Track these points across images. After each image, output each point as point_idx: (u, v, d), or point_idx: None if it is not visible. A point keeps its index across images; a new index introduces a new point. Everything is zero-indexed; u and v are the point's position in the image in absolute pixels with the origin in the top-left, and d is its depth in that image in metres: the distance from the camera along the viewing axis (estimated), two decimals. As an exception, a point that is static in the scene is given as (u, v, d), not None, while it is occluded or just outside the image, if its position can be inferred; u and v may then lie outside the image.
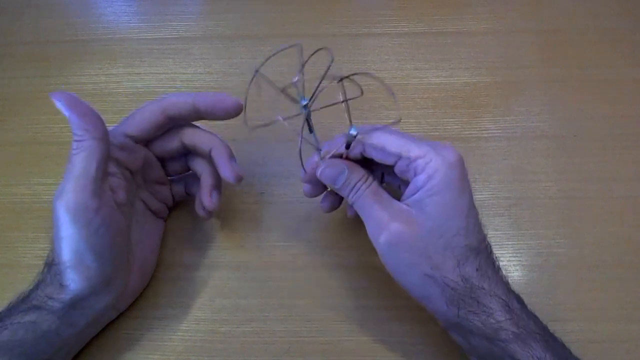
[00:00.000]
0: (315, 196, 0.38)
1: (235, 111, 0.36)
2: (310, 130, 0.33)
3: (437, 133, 0.46)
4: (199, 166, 0.38)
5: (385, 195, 0.33)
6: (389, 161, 0.33)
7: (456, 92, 0.48)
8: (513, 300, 0.32)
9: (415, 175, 0.32)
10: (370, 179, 0.34)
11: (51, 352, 0.33)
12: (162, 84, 0.49)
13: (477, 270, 0.31)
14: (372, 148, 0.33)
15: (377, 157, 0.33)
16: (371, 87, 0.48)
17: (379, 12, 0.52)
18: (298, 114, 0.32)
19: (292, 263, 0.41)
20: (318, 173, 0.34)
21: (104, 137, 0.32)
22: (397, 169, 0.33)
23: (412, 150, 0.32)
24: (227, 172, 0.36)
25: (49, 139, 0.46)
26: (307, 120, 0.32)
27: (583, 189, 0.43)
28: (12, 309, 0.33)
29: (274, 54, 0.31)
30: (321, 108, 0.32)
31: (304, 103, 0.31)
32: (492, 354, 0.31)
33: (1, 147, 0.46)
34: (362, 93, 0.32)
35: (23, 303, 0.33)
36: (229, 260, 0.41)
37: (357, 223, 0.42)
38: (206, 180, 0.38)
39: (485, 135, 0.46)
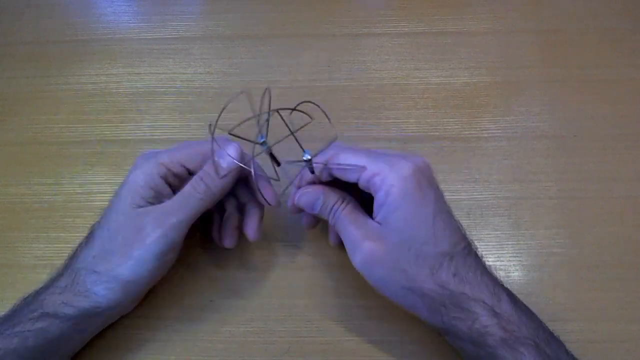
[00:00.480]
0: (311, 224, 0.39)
1: (271, 206, 0.37)
2: (278, 163, 0.34)
3: (437, 133, 0.46)
4: (229, 205, 0.39)
5: (361, 215, 0.34)
6: (352, 179, 0.33)
7: (456, 92, 0.48)
8: (503, 301, 0.31)
9: (375, 192, 0.32)
10: (347, 200, 0.34)
11: (57, 356, 0.34)
12: (162, 84, 0.49)
13: (454, 275, 0.31)
14: (335, 169, 0.34)
15: (342, 176, 0.34)
16: (371, 88, 0.48)
17: (379, 12, 0.52)
18: (261, 152, 0.33)
19: (292, 263, 0.41)
20: (296, 200, 0.36)
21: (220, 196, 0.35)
22: (360, 186, 0.34)
23: (370, 167, 0.32)
24: (249, 233, 0.37)
25: (49, 139, 0.46)
26: (271, 155, 0.34)
27: (583, 189, 0.43)
28: (20, 313, 0.33)
29: (224, 107, 0.33)
30: (275, 143, 0.33)
31: (262, 140, 0.32)
32: (480, 357, 0.31)
33: (1, 147, 0.46)
34: (312, 119, 0.34)
35: (33, 309, 0.33)
36: (229, 260, 0.41)
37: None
38: (232, 221, 0.38)
39: (485, 135, 0.46)
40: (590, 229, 0.42)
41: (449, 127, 0.46)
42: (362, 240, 0.32)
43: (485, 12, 0.52)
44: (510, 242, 0.41)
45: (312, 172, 0.35)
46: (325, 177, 0.35)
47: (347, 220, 0.33)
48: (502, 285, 0.33)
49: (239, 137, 0.32)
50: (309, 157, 0.33)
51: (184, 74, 0.49)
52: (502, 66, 0.49)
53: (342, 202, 0.34)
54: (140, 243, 0.33)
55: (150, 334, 0.38)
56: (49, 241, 0.42)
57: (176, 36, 0.51)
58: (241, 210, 0.39)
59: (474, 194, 0.43)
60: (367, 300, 0.39)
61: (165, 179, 0.35)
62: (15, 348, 0.31)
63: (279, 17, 0.52)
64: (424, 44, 0.50)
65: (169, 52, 0.50)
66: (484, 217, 0.42)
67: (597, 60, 0.49)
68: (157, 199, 0.34)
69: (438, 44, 0.50)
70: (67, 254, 0.36)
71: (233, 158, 0.34)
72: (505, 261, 0.41)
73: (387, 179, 0.31)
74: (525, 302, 0.33)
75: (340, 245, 0.37)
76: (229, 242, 0.38)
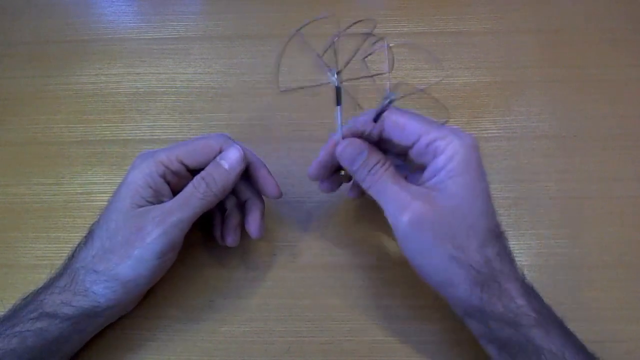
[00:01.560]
0: (317, 179, 0.37)
1: (274, 197, 0.37)
2: (338, 102, 0.32)
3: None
4: (229, 203, 0.39)
5: (403, 179, 0.33)
6: (408, 141, 0.33)
7: (456, 92, 0.48)
8: (529, 287, 0.32)
9: (435, 157, 0.32)
10: (389, 162, 0.33)
11: (57, 356, 0.34)
12: (162, 84, 0.49)
13: (497, 254, 0.31)
14: (392, 127, 0.33)
15: (397, 137, 0.33)
16: (371, 88, 0.48)
17: (379, 12, 0.52)
18: (327, 83, 0.32)
19: (292, 263, 0.41)
20: (338, 151, 0.34)
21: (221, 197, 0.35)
22: (414, 151, 0.33)
23: (432, 131, 0.32)
24: (270, 187, 0.37)
25: (49, 139, 0.46)
26: (338, 90, 0.32)
27: (583, 189, 0.43)
28: (19, 313, 0.33)
29: (312, 20, 0.32)
30: (350, 80, 0.32)
31: (336, 72, 0.31)
32: (511, 340, 0.31)
33: (1, 147, 0.46)
34: (391, 68, 0.33)
35: (32, 309, 0.33)
36: (228, 260, 0.41)
37: (357, 223, 0.42)
38: (233, 219, 0.38)
39: (485, 135, 0.46)
40: (590, 229, 0.42)
41: (449, 127, 0.46)
42: (412, 200, 0.31)
43: (485, 12, 0.52)
44: (510, 242, 0.41)
45: (377, 118, 0.32)
46: (373, 134, 0.34)
47: (391, 181, 0.32)
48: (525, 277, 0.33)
49: (321, 61, 0.31)
50: (394, 97, 0.31)
51: (184, 74, 0.49)
52: (502, 66, 0.49)
53: (385, 162, 0.33)
54: (141, 242, 0.33)
55: (150, 334, 0.38)
56: (49, 241, 0.42)
57: (176, 36, 0.51)
58: (242, 208, 0.39)
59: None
60: (367, 300, 0.39)
61: (164, 177, 0.35)
62: (14, 348, 0.31)
63: (279, 17, 0.52)
64: (424, 44, 0.50)
65: (169, 52, 0.50)
66: (484, 217, 0.42)
67: (597, 60, 0.49)
68: (157, 198, 0.34)
69: (438, 44, 0.50)
70: (67, 254, 0.36)
71: (237, 160, 0.35)
72: (505, 261, 0.41)
73: (452, 144, 0.31)
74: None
75: (359, 212, 0.37)
76: (231, 240, 0.38)
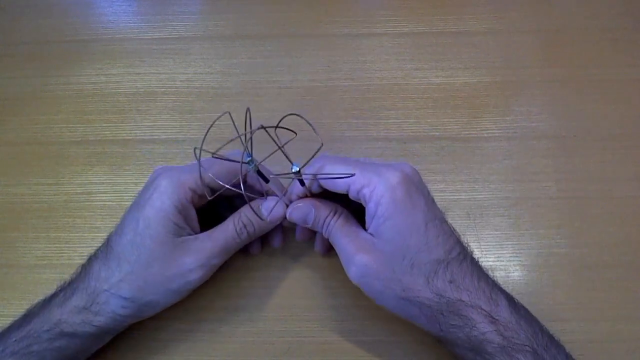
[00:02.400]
0: (305, 237, 0.39)
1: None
2: (266, 180, 0.34)
3: (437, 133, 0.46)
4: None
5: (353, 227, 0.34)
6: (341, 190, 0.33)
7: (456, 92, 0.48)
8: (501, 306, 0.31)
9: (366, 203, 0.32)
10: (339, 212, 0.35)
11: None
12: (162, 84, 0.49)
13: (450, 282, 0.31)
14: (324, 180, 0.34)
15: (332, 188, 0.34)
16: (371, 88, 0.48)
17: (379, 12, 0.52)
18: (247, 171, 0.33)
19: (292, 263, 0.41)
20: (287, 216, 0.36)
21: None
22: (351, 197, 0.33)
23: (357, 180, 0.32)
24: (274, 242, 0.39)
25: (49, 139, 0.46)
26: (259, 172, 0.33)
27: (583, 189, 0.43)
28: (34, 331, 0.32)
29: (209, 128, 0.32)
30: (262, 161, 0.33)
31: (248, 159, 0.32)
32: None
33: (1, 147, 0.46)
34: (295, 134, 0.34)
35: (49, 328, 0.32)
36: (228, 260, 0.41)
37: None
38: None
39: (485, 135, 0.46)
40: (590, 229, 0.42)
41: (449, 127, 0.46)
42: (355, 252, 0.32)
43: (485, 12, 0.52)
44: (510, 242, 0.41)
45: (302, 184, 0.35)
46: (315, 188, 0.35)
47: (339, 233, 0.34)
48: (501, 289, 0.33)
49: (224, 158, 0.32)
50: (297, 169, 0.32)
51: (184, 74, 0.49)
52: (502, 66, 0.49)
53: (334, 214, 0.34)
54: (181, 278, 0.33)
55: (151, 333, 0.38)
56: (49, 241, 0.42)
57: (176, 36, 0.51)
58: None
59: (474, 194, 0.43)
60: (367, 300, 0.39)
61: (192, 202, 0.34)
62: None
63: (279, 17, 0.52)
64: (424, 44, 0.50)
65: (169, 52, 0.50)
66: (484, 217, 0.42)
67: (597, 60, 0.49)
68: (186, 221, 0.34)
69: (438, 44, 0.50)
70: (67, 254, 0.36)
71: (275, 212, 0.35)
72: (505, 261, 0.41)
73: (376, 189, 0.31)
74: (525, 303, 0.33)
75: (328, 253, 0.39)
76: (256, 250, 0.40)
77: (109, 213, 0.43)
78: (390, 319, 0.38)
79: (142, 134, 0.47)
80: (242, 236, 0.35)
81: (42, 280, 0.41)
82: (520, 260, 0.41)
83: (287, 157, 0.33)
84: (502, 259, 0.41)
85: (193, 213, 0.35)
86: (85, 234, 0.42)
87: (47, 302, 0.34)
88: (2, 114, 0.48)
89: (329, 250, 0.39)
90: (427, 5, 0.52)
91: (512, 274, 0.40)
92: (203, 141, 0.31)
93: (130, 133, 0.47)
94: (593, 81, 0.48)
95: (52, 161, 0.45)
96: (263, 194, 0.36)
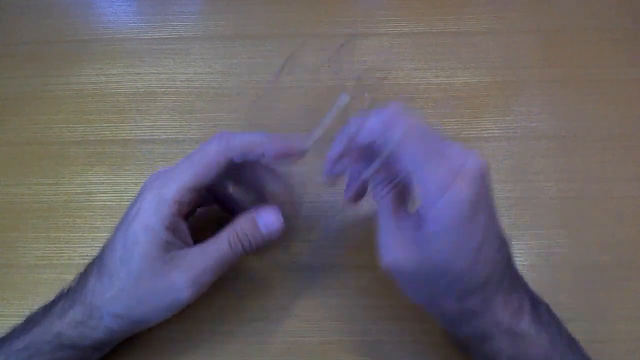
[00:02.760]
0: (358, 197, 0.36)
1: (299, 158, 0.34)
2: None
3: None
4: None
5: (402, 212, 0.31)
6: (399, 172, 0.30)
7: (456, 92, 0.48)
8: (524, 321, 0.29)
9: (421, 199, 0.29)
10: (397, 182, 0.31)
11: None
12: (162, 84, 0.49)
13: (482, 301, 0.29)
14: (393, 156, 0.30)
15: (394, 166, 0.31)
16: (371, 88, 0.48)
17: (379, 12, 0.52)
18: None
19: (292, 263, 0.41)
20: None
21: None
22: (409, 183, 0.32)
23: (423, 177, 0.28)
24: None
25: (49, 139, 0.46)
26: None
27: (583, 189, 0.43)
28: (35, 342, 0.32)
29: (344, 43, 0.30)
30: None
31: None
32: None
33: (1, 147, 0.46)
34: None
35: (49, 340, 0.32)
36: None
37: (357, 223, 0.42)
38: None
39: (485, 135, 0.46)
40: (590, 229, 0.42)
41: (449, 127, 0.46)
42: (396, 246, 0.30)
43: (485, 12, 0.52)
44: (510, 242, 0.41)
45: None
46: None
47: (389, 210, 0.31)
48: (527, 290, 0.31)
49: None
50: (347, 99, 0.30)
51: (184, 74, 0.49)
52: (502, 66, 0.49)
53: (394, 180, 0.31)
54: (171, 295, 0.32)
55: (150, 334, 0.38)
56: (49, 241, 0.42)
57: (176, 36, 0.51)
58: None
59: (474, 194, 0.43)
60: (367, 300, 0.39)
61: (179, 213, 0.33)
62: None
63: (279, 17, 0.52)
64: (424, 44, 0.50)
65: (169, 52, 0.50)
66: (484, 217, 0.42)
67: (597, 60, 0.49)
68: (175, 235, 0.33)
69: (438, 44, 0.50)
70: (67, 254, 0.36)
71: (275, 226, 0.34)
72: (505, 261, 0.41)
73: (440, 201, 0.27)
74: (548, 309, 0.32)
75: (354, 203, 0.36)
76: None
77: (109, 213, 0.43)
78: (391, 319, 0.38)
79: (142, 134, 0.46)
80: (237, 251, 0.33)
81: (42, 280, 0.40)
82: (520, 260, 0.41)
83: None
84: (502, 259, 0.41)
85: (183, 226, 0.33)
86: (85, 234, 0.42)
87: (47, 310, 0.33)
88: (2, 114, 0.48)
89: (359, 199, 0.36)
90: (427, 5, 0.52)
91: (512, 274, 0.40)
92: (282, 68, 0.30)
93: (130, 133, 0.47)
94: (593, 81, 0.48)
95: (52, 161, 0.45)
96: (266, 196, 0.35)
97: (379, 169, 0.31)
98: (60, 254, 0.39)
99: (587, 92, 0.47)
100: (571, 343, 0.31)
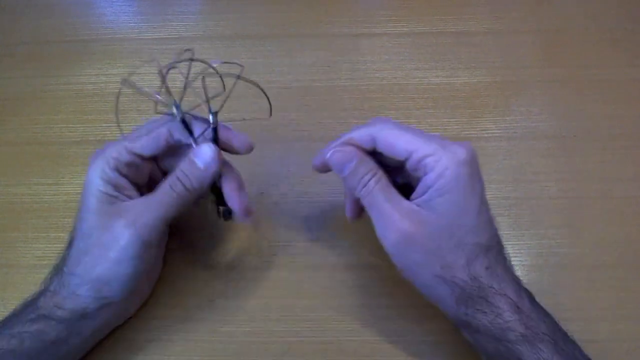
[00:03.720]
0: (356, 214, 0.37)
1: (247, 151, 0.36)
2: (190, 132, 0.34)
3: (437, 133, 0.46)
4: None
5: (394, 194, 0.32)
6: (400, 158, 0.32)
7: (456, 92, 0.48)
8: (524, 299, 0.31)
9: (425, 173, 0.31)
10: (380, 173, 0.33)
11: (55, 358, 0.34)
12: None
13: (486, 268, 0.31)
14: (383, 144, 0.32)
15: (388, 153, 0.33)
16: (371, 88, 0.48)
17: (379, 12, 0.52)
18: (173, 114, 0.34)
19: (292, 263, 0.41)
20: (327, 156, 0.33)
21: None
22: (408, 167, 0.32)
23: (422, 148, 0.31)
24: (236, 205, 0.35)
25: (49, 139, 0.46)
26: (183, 121, 0.33)
27: (583, 189, 0.43)
28: (19, 315, 0.33)
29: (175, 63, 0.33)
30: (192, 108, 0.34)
31: (176, 104, 0.33)
32: (499, 353, 0.31)
33: (1, 147, 0.46)
34: (224, 88, 0.34)
35: (30, 311, 0.33)
36: (229, 260, 0.41)
37: (356, 223, 0.42)
38: (229, 188, 0.35)
39: (485, 135, 0.46)
40: (590, 229, 0.42)
41: (449, 127, 0.46)
42: (400, 220, 0.31)
43: (485, 12, 0.52)
44: (510, 242, 0.41)
45: (216, 138, 0.34)
46: (368, 145, 0.33)
47: (381, 196, 0.32)
48: (522, 282, 0.33)
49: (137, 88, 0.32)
50: (215, 111, 0.32)
51: (184, 73, 0.49)
52: (502, 66, 0.49)
53: (376, 174, 0.32)
54: (114, 244, 0.32)
55: (150, 334, 0.38)
56: (49, 241, 0.42)
57: (176, 36, 0.51)
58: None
59: (474, 194, 0.43)
60: (367, 300, 0.39)
61: (117, 171, 0.34)
62: (13, 349, 0.31)
63: (279, 17, 0.52)
64: (424, 44, 0.50)
65: (169, 52, 0.50)
66: (484, 217, 0.42)
67: (597, 60, 0.49)
68: (119, 191, 0.34)
69: (438, 44, 0.50)
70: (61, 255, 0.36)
71: (212, 158, 0.33)
72: (505, 261, 0.41)
73: (441, 160, 0.30)
74: (536, 300, 0.33)
75: (359, 219, 0.37)
76: (241, 207, 0.36)
77: (109, 213, 0.43)
78: (391, 319, 0.38)
79: (142, 134, 0.46)
80: (179, 191, 0.33)
81: (42, 280, 0.40)
82: (520, 260, 0.41)
83: (207, 99, 0.32)
84: (502, 259, 0.41)
85: (124, 181, 0.34)
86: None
87: (37, 292, 0.35)
88: (2, 114, 0.48)
89: (360, 215, 0.37)
90: (427, 5, 0.52)
91: (512, 274, 0.40)
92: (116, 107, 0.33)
93: (130, 133, 0.47)
94: (593, 81, 0.48)
95: (52, 161, 0.45)
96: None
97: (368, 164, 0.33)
98: (60, 254, 0.39)
99: (587, 92, 0.47)
100: (566, 334, 0.32)
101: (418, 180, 0.32)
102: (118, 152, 0.34)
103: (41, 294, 0.34)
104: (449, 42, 0.50)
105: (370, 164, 0.33)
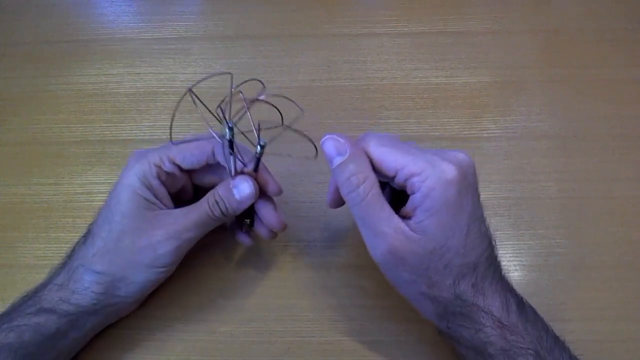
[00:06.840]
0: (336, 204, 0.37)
1: (274, 196, 0.37)
2: (231, 151, 0.34)
3: (437, 133, 0.46)
4: None
5: (386, 207, 0.31)
6: (387, 173, 0.31)
7: (456, 92, 0.48)
8: (511, 312, 0.31)
9: (412, 192, 0.31)
10: (373, 181, 0.31)
11: (55, 354, 0.34)
12: (162, 84, 0.49)
13: (472, 285, 0.31)
14: (372, 159, 0.32)
15: (377, 169, 0.32)
16: (371, 88, 0.48)
17: (379, 12, 0.52)
18: (223, 134, 0.34)
19: (292, 263, 0.41)
20: (321, 142, 0.33)
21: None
22: (395, 183, 0.32)
23: (408, 165, 0.30)
24: (276, 226, 0.36)
25: (49, 139, 0.46)
26: (231, 140, 0.33)
27: (583, 189, 0.43)
28: (18, 308, 0.33)
29: (207, 77, 0.34)
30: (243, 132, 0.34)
31: (230, 126, 0.33)
32: None
33: (1, 147, 0.46)
34: (282, 119, 0.35)
35: (31, 304, 0.33)
36: (229, 260, 0.41)
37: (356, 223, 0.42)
38: (265, 210, 0.37)
39: (485, 135, 0.46)
40: (590, 229, 0.42)
41: (449, 127, 0.46)
42: (390, 238, 0.30)
43: (485, 12, 0.52)
44: (510, 242, 0.41)
45: (258, 163, 0.34)
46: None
47: (372, 207, 0.31)
48: (512, 290, 0.32)
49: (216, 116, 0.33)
50: (263, 143, 0.33)
51: (184, 74, 0.49)
52: (502, 66, 0.49)
53: (370, 181, 0.31)
54: (151, 251, 0.33)
55: (150, 334, 0.38)
56: (49, 241, 0.42)
57: (176, 36, 0.51)
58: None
59: (474, 194, 0.43)
60: (367, 300, 0.39)
61: (159, 178, 0.35)
62: (12, 342, 0.31)
63: (279, 17, 0.52)
64: (424, 44, 0.50)
65: (169, 52, 0.50)
66: (484, 217, 0.42)
67: (597, 60, 0.49)
68: (157, 197, 0.35)
69: (438, 44, 0.50)
70: (66, 253, 0.36)
71: (248, 194, 0.34)
72: (505, 261, 0.41)
73: (427, 181, 0.29)
74: (527, 305, 0.33)
75: (337, 206, 0.36)
76: (248, 241, 0.39)
77: (109, 213, 0.43)
78: (391, 319, 0.38)
79: (142, 134, 0.47)
80: (215, 212, 0.34)
81: (42, 280, 0.40)
82: (520, 260, 0.41)
83: (255, 128, 0.32)
84: (502, 259, 0.40)
85: (162, 190, 0.35)
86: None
87: (37, 286, 0.35)
88: (2, 114, 0.48)
89: (340, 205, 0.36)
90: (427, 5, 0.52)
91: (512, 274, 0.40)
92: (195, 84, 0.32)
93: (130, 133, 0.47)
94: (593, 81, 0.48)
95: (52, 161, 0.45)
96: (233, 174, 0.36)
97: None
98: (60, 254, 0.39)
99: (587, 92, 0.47)
100: (556, 339, 0.32)
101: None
102: (161, 160, 0.35)
103: (44, 286, 0.34)
104: (449, 42, 0.50)
105: (363, 164, 0.31)
